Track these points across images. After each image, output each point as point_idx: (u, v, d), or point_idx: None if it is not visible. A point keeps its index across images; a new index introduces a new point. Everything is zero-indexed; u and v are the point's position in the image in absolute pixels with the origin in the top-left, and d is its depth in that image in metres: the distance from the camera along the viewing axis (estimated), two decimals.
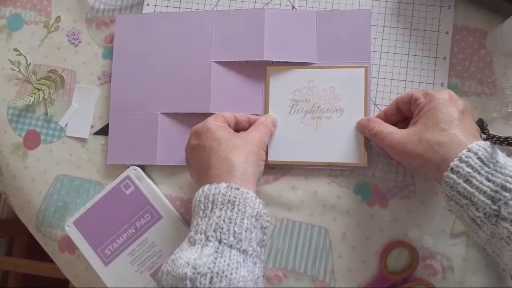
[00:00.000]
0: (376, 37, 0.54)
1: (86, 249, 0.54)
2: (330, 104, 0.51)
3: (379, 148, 0.49)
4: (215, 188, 0.40)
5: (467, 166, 0.37)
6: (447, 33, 0.53)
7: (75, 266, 0.56)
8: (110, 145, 0.54)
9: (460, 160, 0.37)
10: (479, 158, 0.37)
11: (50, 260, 0.59)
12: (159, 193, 0.54)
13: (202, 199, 0.41)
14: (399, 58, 0.53)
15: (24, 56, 0.60)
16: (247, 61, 0.54)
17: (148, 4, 0.58)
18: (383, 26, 0.54)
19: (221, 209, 0.39)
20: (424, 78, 0.52)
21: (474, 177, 0.36)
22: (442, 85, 0.52)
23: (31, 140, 0.59)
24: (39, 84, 0.59)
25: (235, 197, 0.39)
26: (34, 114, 0.60)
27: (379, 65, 0.53)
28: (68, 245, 0.56)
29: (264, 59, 0.52)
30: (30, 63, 0.60)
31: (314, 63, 0.52)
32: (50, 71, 0.60)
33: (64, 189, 0.57)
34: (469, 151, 0.37)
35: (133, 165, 0.54)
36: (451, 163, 0.37)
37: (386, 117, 0.48)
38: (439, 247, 0.50)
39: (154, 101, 0.53)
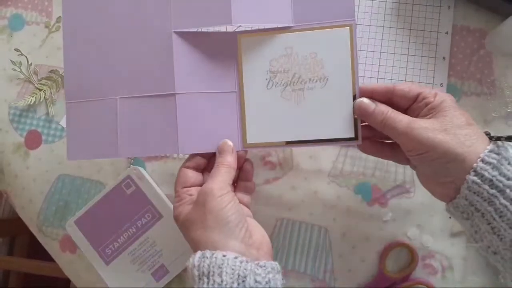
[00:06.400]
0: (376, 37, 0.54)
1: (87, 248, 0.54)
2: (312, 73, 0.44)
3: (368, 151, 0.45)
4: (192, 259, 0.37)
5: (493, 168, 0.35)
6: (446, 33, 0.53)
7: (76, 266, 0.56)
8: (69, 140, 0.47)
9: (483, 161, 0.35)
10: (504, 158, 0.35)
11: (52, 260, 0.59)
12: (160, 192, 0.54)
13: (189, 275, 0.37)
14: (398, 58, 0.53)
15: (25, 56, 0.60)
16: (214, 31, 0.46)
17: None
18: (383, 27, 0.54)
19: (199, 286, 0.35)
20: (423, 78, 0.52)
21: (500, 181, 0.34)
22: (441, 85, 0.52)
23: (33, 140, 0.59)
24: (40, 84, 0.60)
25: (208, 267, 0.35)
26: (35, 114, 0.60)
27: (379, 65, 0.53)
28: (69, 244, 0.56)
29: (232, 24, 0.44)
30: (31, 63, 0.61)
31: (291, 26, 0.45)
32: (51, 71, 0.60)
33: (65, 189, 0.57)
34: (490, 151, 0.35)
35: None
36: (474, 165, 0.35)
37: (371, 96, 0.42)
38: (438, 247, 0.50)
39: (112, 85, 0.47)
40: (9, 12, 0.63)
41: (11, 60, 0.60)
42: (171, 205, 0.54)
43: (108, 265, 0.53)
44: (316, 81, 0.44)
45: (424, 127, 0.37)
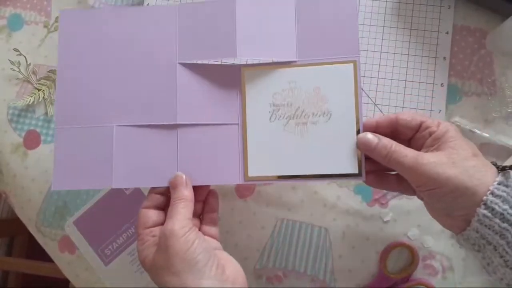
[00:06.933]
0: (376, 37, 0.54)
1: (86, 249, 0.54)
2: (315, 107, 0.44)
3: (376, 185, 0.44)
4: None
5: (503, 202, 0.34)
6: (447, 33, 0.53)
7: (75, 266, 0.56)
8: (56, 167, 0.45)
9: (493, 194, 0.35)
10: None
11: (50, 260, 0.59)
12: None
13: None
14: (399, 58, 0.53)
15: (24, 56, 0.60)
16: (218, 63, 0.47)
17: (148, 4, 0.58)
18: (383, 26, 0.54)
19: None
20: (424, 78, 0.52)
21: (511, 214, 0.34)
22: (442, 85, 0.52)
23: (31, 140, 0.59)
24: (39, 84, 0.60)
25: None
26: (34, 114, 0.60)
27: (379, 65, 0.53)
28: (68, 245, 0.56)
29: (238, 57, 0.44)
30: (30, 63, 0.60)
31: (295, 61, 0.45)
32: (50, 71, 0.60)
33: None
34: (499, 184, 0.35)
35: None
36: (484, 198, 0.35)
37: (376, 129, 0.42)
38: (439, 247, 0.50)
39: (109, 112, 0.45)
40: (8, 12, 0.63)
41: (9, 60, 0.60)
42: None
43: (107, 266, 0.53)
44: (319, 116, 0.44)
45: (432, 162, 0.36)
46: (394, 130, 0.41)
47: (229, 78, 0.46)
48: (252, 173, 0.44)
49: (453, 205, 0.37)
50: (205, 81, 0.46)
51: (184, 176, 0.42)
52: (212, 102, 0.46)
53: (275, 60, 0.45)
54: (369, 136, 0.40)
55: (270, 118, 0.45)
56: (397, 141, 0.39)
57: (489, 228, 0.35)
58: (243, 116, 0.45)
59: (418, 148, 0.39)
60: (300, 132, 0.44)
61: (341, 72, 0.44)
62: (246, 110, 0.45)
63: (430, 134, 0.39)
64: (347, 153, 0.43)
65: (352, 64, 0.44)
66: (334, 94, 0.44)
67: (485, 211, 0.35)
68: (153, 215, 0.41)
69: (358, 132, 0.42)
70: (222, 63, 0.47)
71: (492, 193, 0.35)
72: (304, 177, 0.44)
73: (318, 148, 0.44)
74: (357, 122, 0.43)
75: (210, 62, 0.46)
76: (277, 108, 0.45)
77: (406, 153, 0.38)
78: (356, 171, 0.42)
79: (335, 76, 0.44)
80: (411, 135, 0.41)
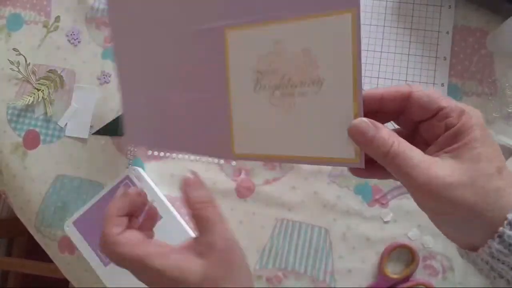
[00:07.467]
0: (377, 36, 0.54)
1: (86, 249, 0.53)
2: (304, 75, 0.35)
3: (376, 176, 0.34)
4: None
5: None
6: (447, 33, 0.53)
7: (75, 267, 0.56)
8: (127, 121, 0.43)
9: (511, 225, 0.28)
10: None
11: (50, 260, 0.59)
12: (159, 193, 0.54)
13: None
14: (399, 58, 0.53)
15: (24, 56, 0.60)
16: (200, 28, 0.40)
17: None
18: (383, 26, 0.54)
19: None
20: (424, 78, 0.52)
21: None
22: (442, 85, 0.52)
23: (31, 140, 0.59)
24: (38, 84, 0.59)
25: None
26: (34, 114, 0.59)
27: (380, 65, 0.53)
28: (68, 245, 0.56)
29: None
30: (29, 63, 0.60)
31: (285, 16, 0.35)
32: (50, 71, 0.60)
33: (63, 189, 0.57)
34: None
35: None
36: (500, 229, 0.28)
37: (381, 104, 0.33)
38: (439, 247, 0.50)
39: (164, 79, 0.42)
40: (7, 12, 0.63)
41: (9, 60, 0.60)
42: (170, 206, 0.53)
43: (107, 266, 0.53)
44: (308, 85, 0.35)
45: (448, 184, 0.28)
46: (403, 109, 0.32)
47: (211, 42, 0.39)
48: (238, 150, 0.38)
49: (466, 231, 0.30)
50: (187, 50, 0.40)
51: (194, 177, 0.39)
52: (195, 73, 0.40)
53: (260, 16, 0.36)
54: (364, 123, 0.30)
55: (254, 88, 0.37)
56: (404, 123, 0.33)
57: (503, 263, 0.29)
58: (227, 86, 0.38)
59: (429, 139, 0.31)
60: (287, 105, 0.36)
61: (336, 26, 0.33)
62: (229, 79, 0.38)
63: (448, 127, 0.30)
64: (342, 131, 0.33)
65: (350, 15, 0.32)
66: (327, 56, 0.34)
67: (499, 246, 0.28)
68: (121, 222, 0.37)
69: (356, 105, 0.33)
70: (202, 27, 0.39)
71: (510, 224, 0.28)
72: (293, 159, 0.36)
73: (307, 125, 0.35)
74: (355, 92, 0.32)
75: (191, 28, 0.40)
76: (261, 76, 0.37)
77: (415, 161, 0.29)
78: (352, 156, 0.32)
79: (328, 33, 0.34)
80: (423, 119, 0.32)
